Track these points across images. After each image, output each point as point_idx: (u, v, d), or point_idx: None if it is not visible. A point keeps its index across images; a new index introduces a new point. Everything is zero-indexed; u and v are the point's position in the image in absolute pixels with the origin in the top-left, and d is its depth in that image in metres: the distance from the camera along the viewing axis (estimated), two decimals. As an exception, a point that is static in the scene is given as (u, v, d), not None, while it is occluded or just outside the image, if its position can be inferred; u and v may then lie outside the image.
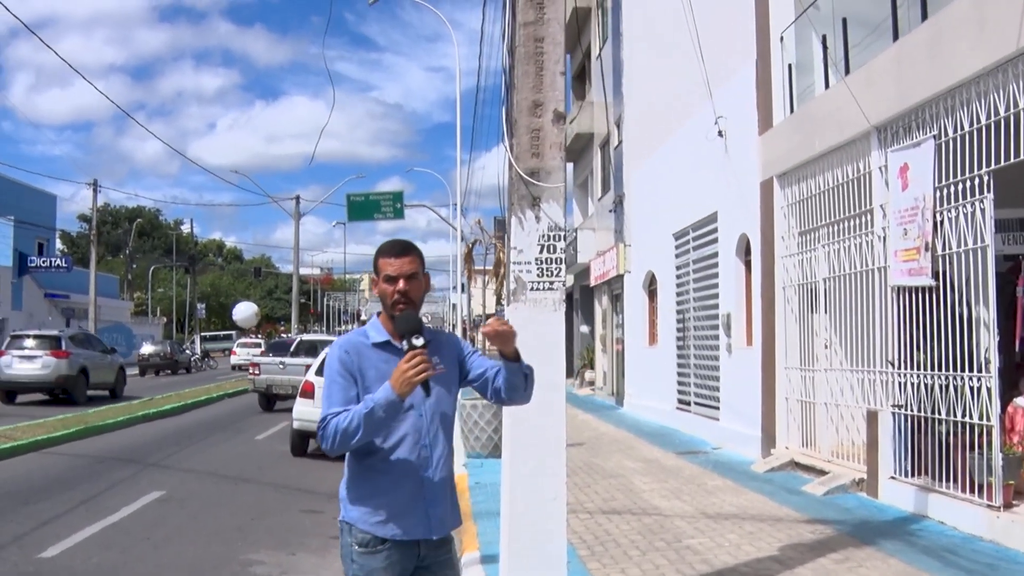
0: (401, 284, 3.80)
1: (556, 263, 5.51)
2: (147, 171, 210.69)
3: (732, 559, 7.87)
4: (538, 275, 5.50)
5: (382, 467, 3.83)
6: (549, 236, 5.52)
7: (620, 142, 25.63)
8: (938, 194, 9.31)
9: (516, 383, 3.97)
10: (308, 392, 15.61)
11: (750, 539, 8.61)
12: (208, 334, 78.94)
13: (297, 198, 51.32)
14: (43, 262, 49.48)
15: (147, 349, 49.64)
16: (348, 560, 3.90)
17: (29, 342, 26.83)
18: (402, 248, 3.89)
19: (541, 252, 5.51)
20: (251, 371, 25.87)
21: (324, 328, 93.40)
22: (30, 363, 26.09)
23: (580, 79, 35.49)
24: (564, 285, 5.61)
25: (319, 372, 15.87)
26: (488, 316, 58.60)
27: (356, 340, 3.92)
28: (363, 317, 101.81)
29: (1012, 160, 8.24)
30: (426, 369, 3.60)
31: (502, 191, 6.37)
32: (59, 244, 67.19)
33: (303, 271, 78.50)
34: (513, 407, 4.56)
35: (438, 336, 4.03)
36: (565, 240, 5.64)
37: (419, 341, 3.65)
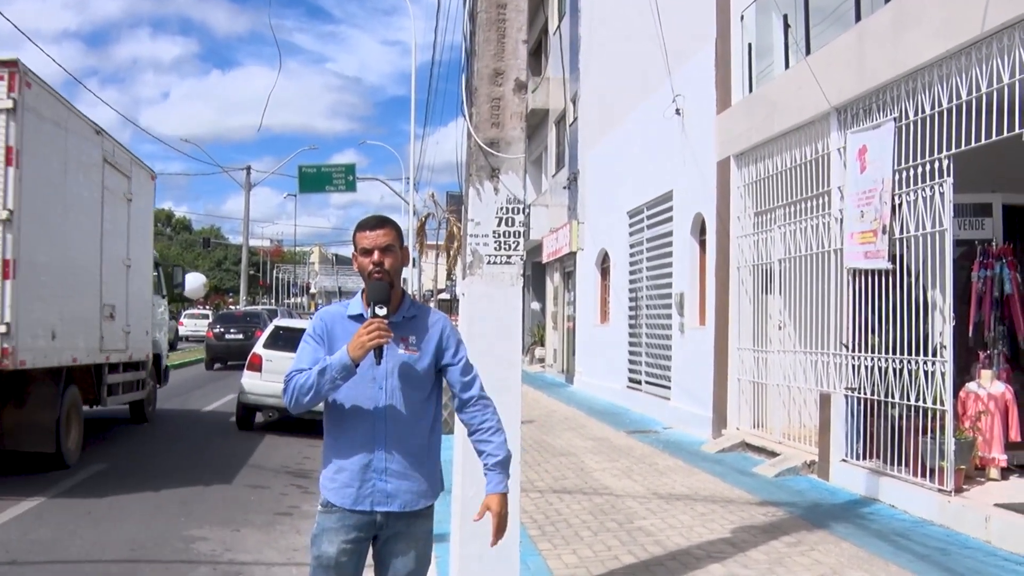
0: (376, 256, 3.87)
1: (514, 236, 5.36)
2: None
3: (684, 540, 7.79)
4: (495, 248, 5.35)
5: (339, 436, 3.94)
6: (508, 209, 5.37)
7: (576, 119, 25.50)
8: (897, 177, 9.27)
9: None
10: (255, 365, 15.38)
11: (702, 520, 8.55)
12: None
13: (248, 168, 50.50)
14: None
15: None
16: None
17: None
18: (377, 222, 3.97)
19: (499, 225, 5.36)
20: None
21: (274, 300, 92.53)
22: None
23: (536, 55, 35.26)
24: (523, 259, 5.46)
25: (267, 345, 15.67)
26: (440, 291, 58.44)
27: (334, 310, 4.08)
28: (312, 291, 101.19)
29: (973, 144, 8.20)
30: (380, 337, 3.71)
31: (459, 165, 6.21)
32: None
33: (253, 243, 77.74)
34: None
35: (423, 315, 4.06)
36: (524, 213, 5.50)
37: (382, 311, 3.77)
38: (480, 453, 4.02)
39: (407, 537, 3.98)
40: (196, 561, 7.76)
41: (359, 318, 3.92)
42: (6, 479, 10.66)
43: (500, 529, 3.96)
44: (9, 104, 10.02)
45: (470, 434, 4.06)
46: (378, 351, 3.74)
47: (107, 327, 13.45)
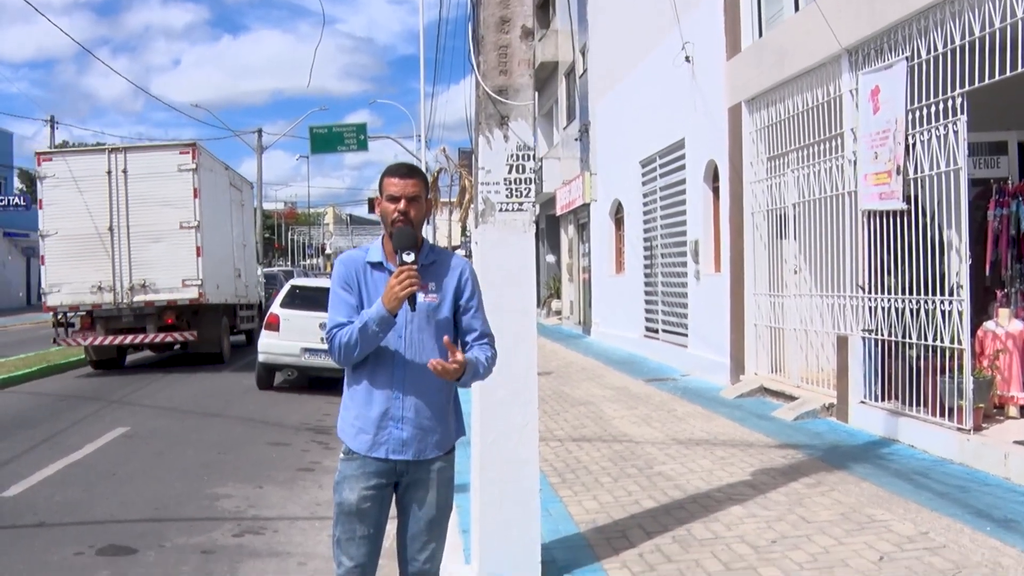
0: (402, 204, 3.88)
1: (525, 183, 5.35)
2: (110, 108, 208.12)
3: (705, 484, 7.83)
4: (507, 196, 5.34)
5: (360, 382, 3.95)
6: (518, 156, 5.35)
7: (585, 70, 25.33)
8: (910, 117, 9.18)
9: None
10: (273, 325, 15.42)
11: (722, 464, 8.58)
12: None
13: (259, 131, 50.34)
14: (0, 201, 48.60)
15: None
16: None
17: None
18: (408, 170, 3.96)
19: (510, 172, 5.34)
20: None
21: (289, 262, 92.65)
22: None
23: (544, 8, 34.97)
24: (534, 206, 5.46)
25: (284, 304, 15.70)
26: (455, 247, 58.39)
27: (354, 255, 4.05)
28: (328, 251, 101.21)
29: (987, 81, 8.10)
30: (413, 284, 3.71)
31: (469, 123, 6.18)
32: (17, 183, 65.89)
33: (267, 206, 77.64)
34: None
35: (443, 259, 4.05)
36: (534, 160, 5.48)
37: (409, 257, 3.76)
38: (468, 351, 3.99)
39: (428, 484, 3.99)
40: (220, 518, 7.84)
41: (379, 266, 3.93)
42: (29, 444, 10.76)
43: (447, 361, 3.76)
44: (193, 166, 18.59)
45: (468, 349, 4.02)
46: (411, 298, 3.74)
47: (237, 282, 22.32)
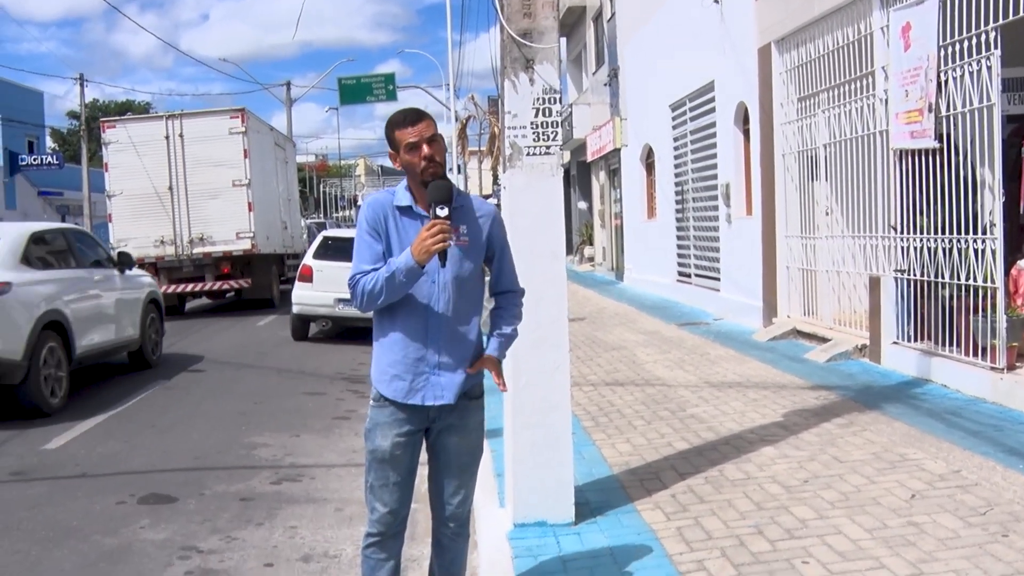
0: (426, 149, 3.78)
1: (552, 127, 5.33)
2: (140, 65, 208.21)
3: (737, 426, 7.86)
4: (534, 139, 5.32)
5: (392, 330, 3.93)
6: (544, 99, 5.33)
7: (613, 14, 25.10)
8: (942, 53, 9.06)
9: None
10: (307, 276, 15.54)
11: (754, 406, 8.60)
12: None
13: (288, 84, 50.27)
14: (34, 160, 48.78)
15: None
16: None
17: None
18: (417, 115, 3.86)
19: (536, 116, 5.32)
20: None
21: (322, 214, 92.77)
22: None
23: (571, -50, 34.64)
24: (561, 149, 5.44)
25: (316, 255, 15.79)
26: (486, 196, 58.21)
27: (382, 199, 3.96)
28: (359, 203, 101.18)
29: (1021, 14, 7.96)
30: (445, 239, 3.65)
31: (495, 68, 6.16)
32: (50, 142, 66.17)
33: (299, 159, 77.58)
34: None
35: (468, 203, 3.99)
36: (560, 103, 5.46)
37: (443, 211, 3.69)
38: (492, 326, 4.11)
39: (460, 429, 4.02)
40: (258, 466, 7.96)
41: (408, 211, 3.86)
42: (72, 399, 10.92)
43: (499, 373, 4.06)
44: (243, 130, 20.85)
45: (491, 310, 4.14)
46: (442, 253, 3.68)
47: (284, 234, 24.91)
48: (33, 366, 9.94)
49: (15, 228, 11.31)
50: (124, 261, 13.20)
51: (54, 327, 10.53)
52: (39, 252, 11.14)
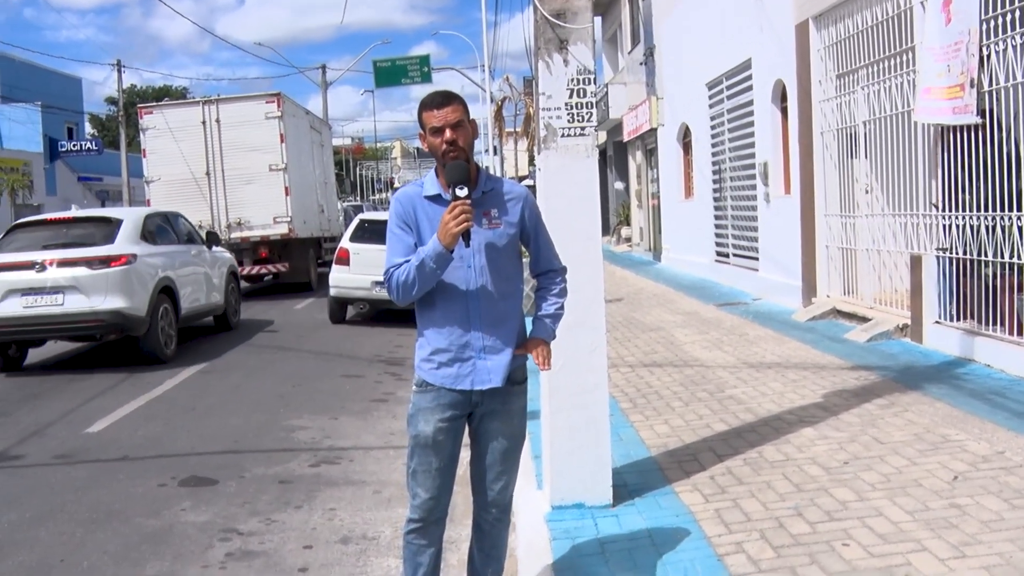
0: (448, 134, 3.78)
1: (586, 108, 5.29)
2: (177, 50, 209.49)
3: (776, 407, 7.81)
4: (568, 121, 5.29)
5: (434, 317, 3.95)
6: (578, 80, 5.28)
7: (649, -8, 24.92)
8: (984, 27, 8.91)
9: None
10: (344, 259, 15.58)
11: (793, 387, 8.54)
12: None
13: (323, 68, 50.44)
14: (73, 146, 49.28)
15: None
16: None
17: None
18: (444, 98, 3.86)
19: (571, 97, 5.28)
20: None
21: (359, 197, 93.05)
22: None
23: (606, -71, 34.41)
24: (595, 130, 5.40)
25: (353, 238, 15.82)
26: (522, 178, 58.20)
27: (411, 191, 3.98)
28: (396, 185, 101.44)
29: (1064, -15, 7.82)
30: (467, 220, 3.66)
31: (530, 49, 6.11)
32: (89, 128, 66.70)
33: (335, 142, 77.73)
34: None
35: (499, 187, 3.99)
36: (595, 83, 5.41)
37: (462, 192, 3.69)
38: (538, 307, 4.13)
39: (503, 414, 4.01)
40: (297, 449, 8.01)
41: (437, 199, 3.86)
42: (112, 382, 11.02)
43: (546, 359, 4.07)
44: (279, 114, 20.92)
45: (535, 290, 4.17)
46: (466, 234, 3.69)
47: (321, 217, 24.86)
48: (153, 322, 12.40)
49: (134, 211, 14.25)
50: (212, 239, 15.99)
51: (166, 291, 12.97)
52: (151, 229, 13.52)
